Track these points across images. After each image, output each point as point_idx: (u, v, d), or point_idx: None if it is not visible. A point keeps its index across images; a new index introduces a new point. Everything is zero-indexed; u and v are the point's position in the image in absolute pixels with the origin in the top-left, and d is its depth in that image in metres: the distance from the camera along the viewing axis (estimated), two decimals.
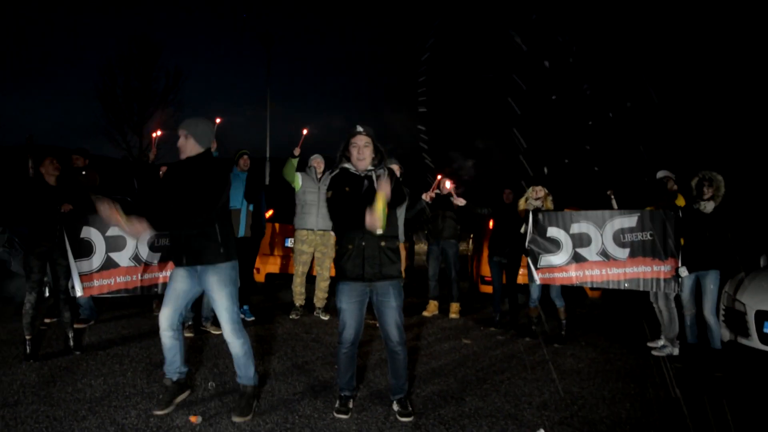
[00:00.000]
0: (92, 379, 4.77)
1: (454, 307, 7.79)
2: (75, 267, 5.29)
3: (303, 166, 7.50)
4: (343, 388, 4.21)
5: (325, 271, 7.48)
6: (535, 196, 6.80)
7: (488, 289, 8.28)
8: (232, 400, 4.26)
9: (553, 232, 6.41)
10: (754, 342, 5.79)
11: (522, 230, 6.70)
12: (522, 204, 6.90)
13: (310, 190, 7.31)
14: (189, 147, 4.01)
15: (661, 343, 6.34)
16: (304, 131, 7.30)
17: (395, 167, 7.40)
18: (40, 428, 3.72)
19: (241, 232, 6.97)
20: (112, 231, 5.48)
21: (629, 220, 6.13)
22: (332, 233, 7.46)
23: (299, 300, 7.51)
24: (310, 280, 7.75)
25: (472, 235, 9.43)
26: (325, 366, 5.34)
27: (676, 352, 6.11)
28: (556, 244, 6.38)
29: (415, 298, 8.71)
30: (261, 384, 4.63)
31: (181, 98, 25.53)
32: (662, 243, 5.95)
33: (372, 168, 4.01)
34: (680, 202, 6.14)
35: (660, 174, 6.50)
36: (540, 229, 6.41)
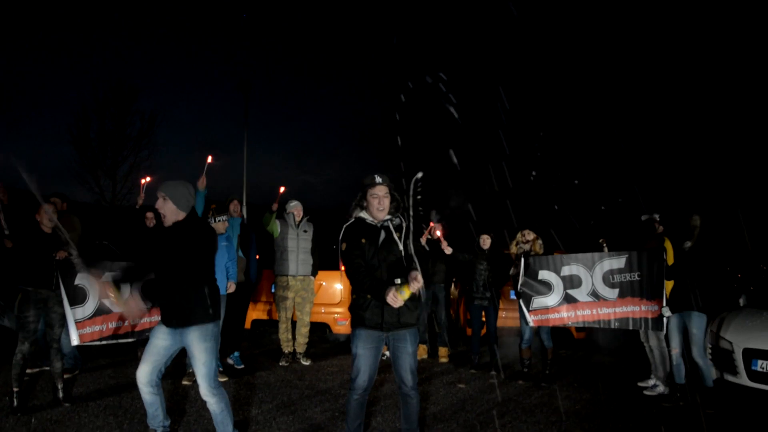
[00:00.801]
0: None
1: (443, 351, 7.79)
2: (71, 315, 5.17)
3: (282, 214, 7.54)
4: None
5: (305, 316, 7.44)
6: (524, 240, 6.95)
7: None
8: None
9: (544, 275, 6.52)
10: (743, 380, 5.90)
11: (511, 272, 6.81)
12: (513, 247, 7.04)
13: (289, 237, 7.35)
14: (168, 210, 4.00)
15: (651, 382, 6.43)
16: (282, 189, 7.42)
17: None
18: None
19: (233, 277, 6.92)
20: (106, 277, 5.39)
21: (618, 262, 6.28)
22: (312, 278, 7.48)
23: (287, 347, 7.44)
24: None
25: (454, 279, 9.48)
26: (325, 413, 5.27)
27: (667, 391, 6.19)
28: (547, 286, 6.48)
29: None
30: None
31: (156, 141, 25.19)
32: (649, 283, 6.10)
33: (389, 217, 4.01)
34: (666, 244, 6.29)
35: (644, 217, 6.67)
36: (531, 273, 6.52)
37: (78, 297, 5.27)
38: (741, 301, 7.20)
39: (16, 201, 6.21)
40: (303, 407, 5.45)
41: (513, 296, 8.04)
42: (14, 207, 6.08)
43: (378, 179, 3.96)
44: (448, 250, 6.92)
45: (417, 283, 3.54)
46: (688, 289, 5.69)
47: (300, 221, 7.47)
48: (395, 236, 3.92)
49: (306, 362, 7.37)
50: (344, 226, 4.04)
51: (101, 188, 22.35)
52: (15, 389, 5.14)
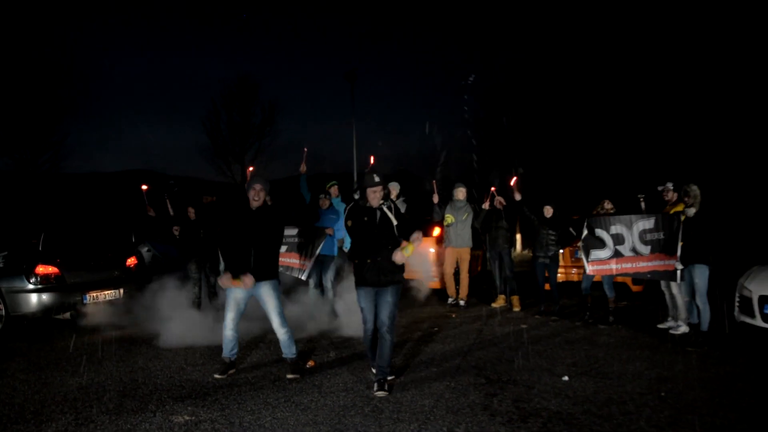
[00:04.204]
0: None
1: (515, 300, 9.51)
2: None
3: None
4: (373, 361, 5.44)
5: None
6: (603, 208, 8.52)
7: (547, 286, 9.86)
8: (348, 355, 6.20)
9: (599, 232, 8.00)
10: (758, 321, 7.09)
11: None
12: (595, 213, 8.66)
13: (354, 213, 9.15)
14: (262, 198, 5.75)
15: (669, 323, 7.86)
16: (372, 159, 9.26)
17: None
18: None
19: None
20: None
21: (648, 222, 7.61)
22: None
23: None
24: None
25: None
26: (402, 357, 7.21)
27: (688, 330, 7.50)
28: (602, 242, 7.97)
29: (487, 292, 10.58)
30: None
31: (277, 128, 28.69)
32: (669, 241, 7.35)
33: (382, 202, 5.26)
34: (680, 207, 7.53)
35: (660, 187, 7.96)
36: (590, 230, 8.06)
37: None
38: None
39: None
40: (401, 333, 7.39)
41: (577, 255, 9.56)
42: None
43: (376, 179, 5.18)
44: (518, 196, 8.81)
45: (416, 237, 5.02)
46: (694, 247, 7.02)
47: (396, 200, 9.17)
48: (389, 215, 5.22)
49: None
50: (348, 208, 5.38)
51: (232, 172, 25.79)
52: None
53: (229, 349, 5.90)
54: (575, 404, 4.88)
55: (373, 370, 5.45)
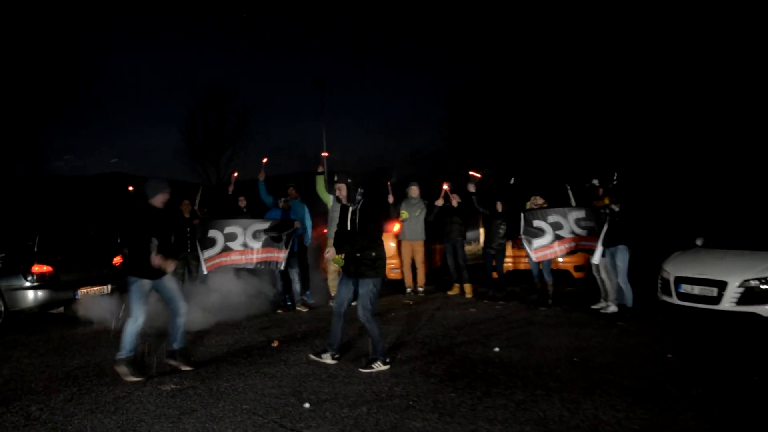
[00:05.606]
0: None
1: (468, 287, 10.47)
2: (202, 257, 8.52)
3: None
4: (333, 345, 6.20)
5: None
6: (535, 203, 9.56)
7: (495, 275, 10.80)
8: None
9: (537, 223, 9.05)
10: (674, 299, 8.16)
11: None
12: (528, 206, 9.67)
13: (335, 210, 9.08)
14: (165, 200, 6.07)
15: (601, 304, 8.88)
16: (324, 154, 10.06)
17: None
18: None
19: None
20: (228, 229, 8.57)
21: (581, 212, 8.84)
22: None
23: (333, 290, 9.83)
24: None
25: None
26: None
27: (617, 309, 8.51)
28: (541, 231, 9.01)
29: (446, 282, 11.60)
30: None
31: (250, 133, 30.04)
32: (598, 228, 8.44)
33: (358, 199, 5.92)
34: (606, 201, 8.52)
35: (588, 184, 9.04)
36: (528, 223, 9.08)
37: (209, 243, 8.54)
38: (698, 242, 9.27)
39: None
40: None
41: (523, 245, 10.56)
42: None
43: (336, 178, 5.93)
44: (472, 188, 9.78)
45: (329, 253, 5.87)
46: (616, 232, 7.96)
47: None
48: (357, 215, 5.92)
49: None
50: (332, 204, 6.42)
51: (208, 174, 26.78)
52: None
53: (136, 345, 5.95)
54: (499, 368, 5.82)
55: (328, 352, 6.20)
